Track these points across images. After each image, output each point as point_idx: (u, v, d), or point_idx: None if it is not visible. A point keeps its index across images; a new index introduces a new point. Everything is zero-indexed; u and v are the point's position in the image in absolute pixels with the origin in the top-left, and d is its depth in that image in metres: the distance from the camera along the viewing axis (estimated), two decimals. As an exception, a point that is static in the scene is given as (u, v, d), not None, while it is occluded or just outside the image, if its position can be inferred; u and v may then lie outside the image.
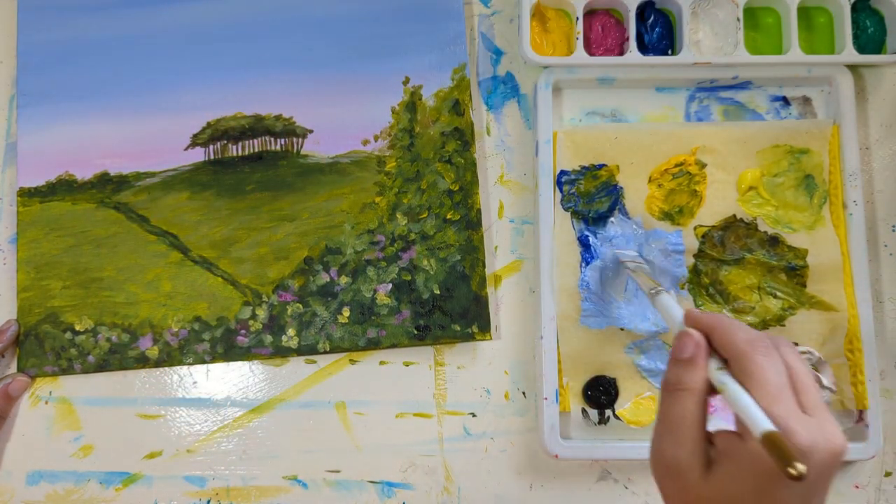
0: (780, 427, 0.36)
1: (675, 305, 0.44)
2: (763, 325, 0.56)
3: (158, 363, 0.57)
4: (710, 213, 0.57)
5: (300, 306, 0.57)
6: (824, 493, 0.38)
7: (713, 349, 0.40)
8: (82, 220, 0.59)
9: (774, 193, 0.57)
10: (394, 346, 0.57)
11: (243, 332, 0.57)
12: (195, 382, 0.58)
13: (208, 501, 0.57)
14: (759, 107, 0.60)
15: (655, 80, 0.59)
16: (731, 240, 0.57)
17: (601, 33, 0.60)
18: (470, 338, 0.57)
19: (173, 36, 0.61)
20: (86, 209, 0.59)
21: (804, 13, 0.59)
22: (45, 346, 0.57)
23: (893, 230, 0.59)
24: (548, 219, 0.57)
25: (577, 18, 0.58)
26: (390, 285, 0.57)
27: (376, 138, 0.59)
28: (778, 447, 0.35)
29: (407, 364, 0.58)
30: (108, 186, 0.59)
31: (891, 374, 0.58)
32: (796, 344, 0.56)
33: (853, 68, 0.59)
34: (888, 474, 0.57)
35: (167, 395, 0.58)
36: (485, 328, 0.57)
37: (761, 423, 0.36)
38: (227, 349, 0.57)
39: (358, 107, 0.60)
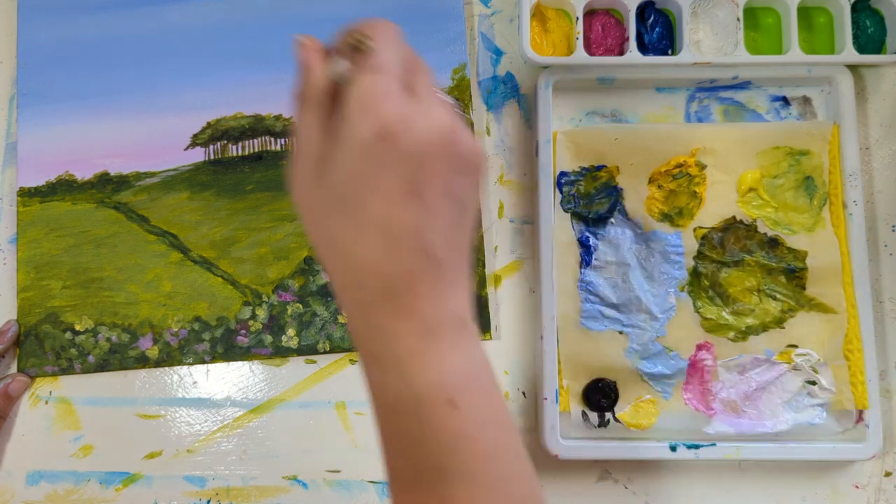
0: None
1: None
2: (763, 326, 0.56)
3: (158, 363, 0.57)
4: (710, 214, 0.57)
5: (300, 306, 0.57)
6: (437, 179, 0.36)
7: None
8: (82, 220, 0.59)
9: (774, 195, 0.57)
10: (394, 346, 0.57)
11: (243, 332, 0.57)
12: (195, 382, 0.58)
13: (208, 501, 0.57)
14: (759, 107, 0.60)
15: (655, 80, 0.59)
16: (731, 241, 0.57)
17: (601, 33, 0.60)
18: (470, 338, 0.57)
19: (173, 36, 0.61)
20: (86, 209, 0.59)
21: (804, 13, 0.59)
22: (45, 346, 0.57)
23: (893, 230, 0.59)
24: (548, 219, 0.57)
25: (577, 18, 0.58)
26: (390, 285, 0.57)
27: (376, 138, 0.59)
28: (351, 42, 0.36)
29: (407, 364, 0.58)
30: (108, 186, 0.59)
31: (891, 374, 0.58)
32: (795, 346, 0.56)
33: (853, 68, 0.59)
34: (888, 474, 0.57)
35: (167, 395, 0.58)
36: (485, 328, 0.57)
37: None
38: (227, 349, 0.57)
39: (358, 107, 0.60)
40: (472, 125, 0.59)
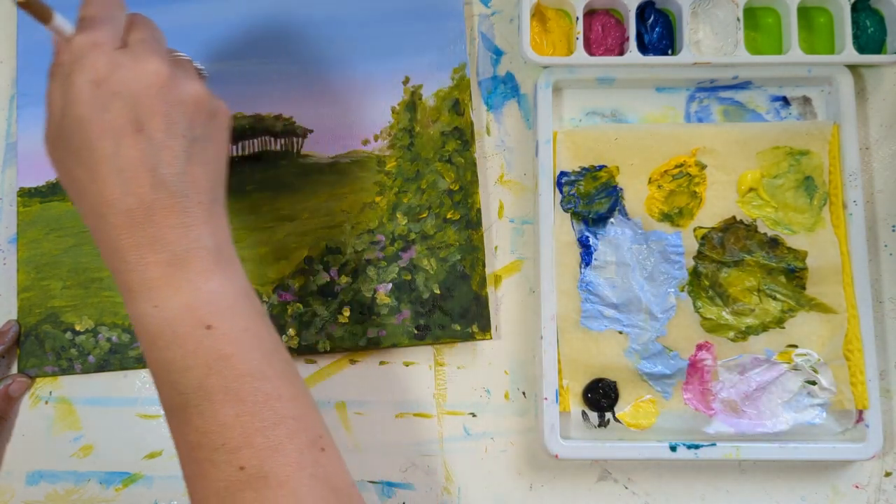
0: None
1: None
2: (763, 327, 0.56)
3: (158, 363, 0.57)
4: (710, 214, 0.57)
5: (300, 306, 0.57)
6: (157, 117, 0.41)
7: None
8: (82, 220, 0.59)
9: (774, 195, 0.57)
10: (394, 345, 0.57)
11: (243, 332, 0.57)
12: (195, 382, 0.58)
13: (208, 501, 0.57)
14: (759, 107, 0.60)
15: (655, 80, 0.59)
16: (731, 241, 0.57)
17: (601, 33, 0.60)
18: (470, 337, 0.57)
19: (173, 36, 0.60)
20: (86, 209, 0.59)
21: (804, 13, 0.59)
22: (45, 347, 0.57)
23: (893, 230, 0.59)
24: (548, 219, 0.57)
25: (577, 18, 0.58)
26: (390, 285, 0.57)
27: (376, 138, 0.59)
28: (32, 6, 0.40)
29: (407, 364, 0.58)
30: (108, 186, 0.59)
31: (891, 374, 0.58)
32: (795, 346, 0.56)
33: (853, 68, 0.59)
34: (888, 474, 0.57)
35: (167, 395, 0.58)
36: (485, 328, 0.57)
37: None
38: (228, 349, 0.57)
39: (358, 107, 0.60)
40: (472, 125, 0.59)
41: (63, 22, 0.42)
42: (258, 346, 0.42)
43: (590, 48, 0.59)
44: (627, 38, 0.58)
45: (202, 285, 0.41)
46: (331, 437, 0.43)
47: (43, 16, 0.41)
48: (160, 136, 0.41)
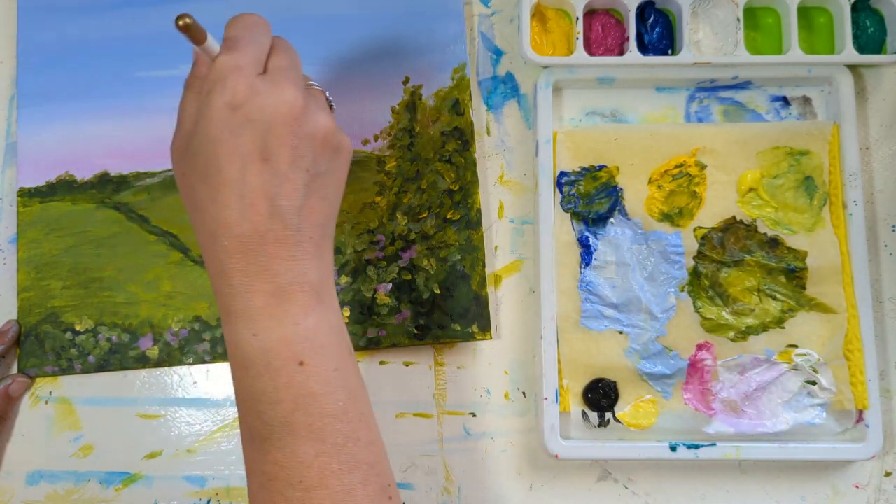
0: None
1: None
2: (763, 327, 0.56)
3: (159, 363, 0.57)
4: (710, 214, 0.57)
5: (300, 306, 0.57)
6: (286, 148, 0.41)
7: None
8: (82, 220, 0.59)
9: (774, 195, 0.57)
10: (394, 345, 0.57)
11: (243, 332, 0.57)
12: (195, 382, 0.58)
13: (208, 501, 0.57)
14: (759, 107, 0.60)
15: (655, 80, 0.59)
16: (731, 241, 0.57)
17: (601, 33, 0.60)
18: (470, 337, 0.57)
19: (173, 36, 0.60)
20: (86, 209, 0.59)
21: (804, 13, 0.59)
22: (45, 347, 0.57)
23: (893, 230, 0.59)
24: (548, 219, 0.57)
25: (577, 18, 0.58)
26: (390, 285, 0.57)
27: (376, 138, 0.59)
28: (191, 29, 0.41)
29: (407, 364, 0.58)
30: (108, 186, 0.59)
31: (891, 374, 0.58)
32: (795, 346, 0.56)
33: (853, 68, 0.59)
34: (888, 474, 0.57)
35: (167, 395, 0.58)
36: (485, 328, 0.57)
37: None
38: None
39: (358, 107, 0.60)
40: (472, 125, 0.59)
41: (213, 43, 0.42)
42: (344, 386, 0.42)
43: (590, 48, 0.59)
44: (627, 38, 0.58)
45: (301, 320, 0.41)
46: (396, 487, 0.43)
47: (198, 38, 0.41)
48: (285, 168, 0.41)
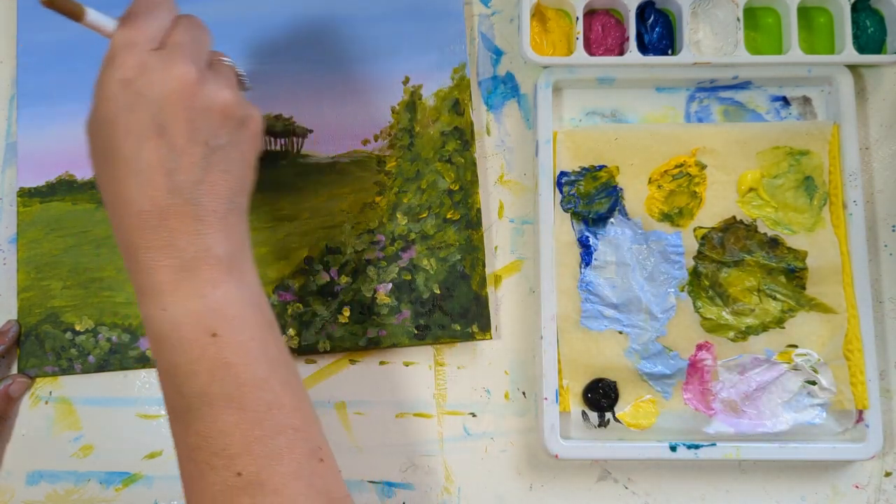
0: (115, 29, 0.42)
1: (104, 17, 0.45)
2: (763, 326, 0.56)
3: (158, 363, 0.57)
4: (710, 214, 0.57)
5: (300, 306, 0.57)
6: (180, 123, 0.41)
7: None
8: (82, 220, 0.59)
9: (774, 195, 0.57)
10: (394, 345, 0.57)
11: (243, 332, 0.57)
12: (195, 382, 0.58)
13: (208, 501, 0.57)
14: (759, 107, 0.60)
15: (655, 80, 0.59)
16: (731, 241, 0.57)
17: (601, 33, 0.60)
18: (470, 337, 0.57)
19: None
20: (86, 209, 0.59)
21: (804, 13, 0.59)
22: (45, 347, 0.57)
23: (893, 230, 0.59)
24: (548, 219, 0.57)
25: (577, 18, 0.58)
26: (390, 285, 0.57)
27: (376, 138, 0.59)
28: (56, 4, 0.41)
29: (407, 364, 0.58)
30: (108, 186, 0.59)
31: (891, 374, 0.58)
32: (795, 346, 0.56)
33: (853, 68, 0.59)
34: (888, 474, 0.57)
35: (167, 395, 0.58)
36: (485, 328, 0.57)
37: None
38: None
39: (358, 107, 0.60)
40: (472, 125, 0.59)
41: (99, 18, 0.42)
42: (263, 355, 0.42)
43: (590, 48, 0.59)
44: (627, 38, 0.58)
45: (210, 293, 0.41)
46: (329, 449, 0.43)
47: (74, 13, 0.41)
48: (181, 143, 0.41)
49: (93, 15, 0.42)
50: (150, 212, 0.41)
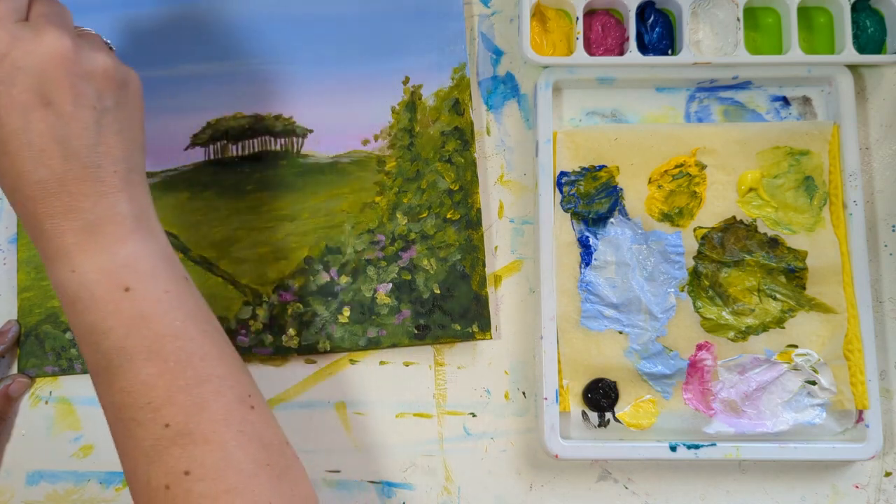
0: None
1: None
2: (763, 326, 0.56)
3: (158, 363, 0.57)
4: (710, 214, 0.57)
5: (300, 306, 0.57)
6: (64, 90, 0.41)
7: None
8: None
9: (774, 195, 0.57)
10: (394, 345, 0.57)
11: (243, 332, 0.57)
12: (195, 382, 0.58)
13: (208, 501, 0.57)
14: (760, 107, 0.60)
15: (655, 80, 0.59)
16: (731, 241, 0.57)
17: (601, 33, 0.60)
18: (470, 337, 0.57)
19: (173, 36, 0.61)
20: (86, 209, 0.59)
21: (804, 13, 0.59)
22: (45, 347, 0.57)
23: (893, 230, 0.59)
24: (548, 219, 0.57)
25: (577, 18, 0.58)
26: (390, 285, 0.57)
27: (376, 138, 0.59)
28: None
29: (407, 364, 0.58)
30: (108, 186, 0.59)
31: (891, 374, 0.58)
32: (795, 346, 0.56)
33: (853, 68, 0.59)
34: (888, 474, 0.57)
35: (167, 395, 0.58)
36: (485, 328, 0.57)
37: None
38: (228, 349, 0.57)
39: (358, 107, 0.60)
40: (472, 125, 0.59)
41: None
42: (180, 307, 0.43)
43: (590, 48, 0.59)
44: (627, 38, 0.58)
45: (119, 250, 0.42)
46: (261, 397, 0.44)
47: None
48: (69, 109, 0.41)
49: None
50: (49, 180, 0.41)
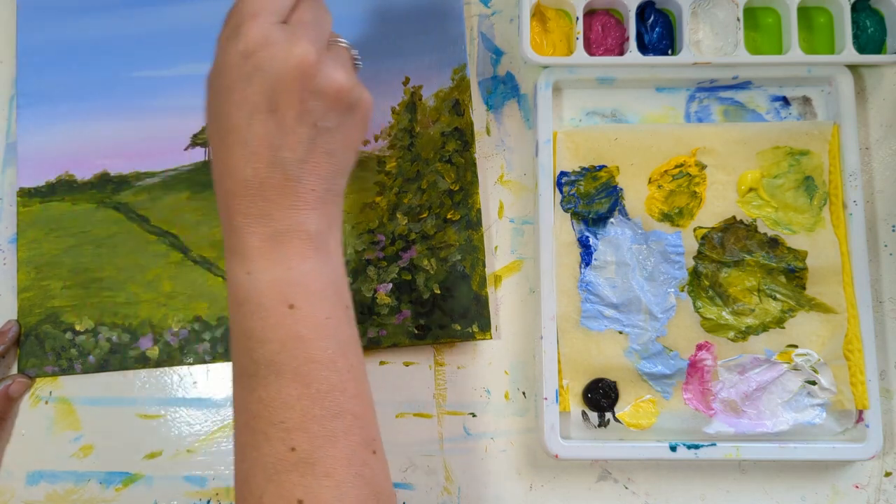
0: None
1: None
2: (763, 327, 0.56)
3: (159, 363, 0.57)
4: (710, 214, 0.57)
5: (300, 306, 0.57)
6: (293, 102, 0.41)
7: None
8: (82, 221, 0.59)
9: (774, 195, 0.57)
10: (394, 345, 0.57)
11: (243, 332, 0.57)
12: (195, 382, 0.58)
13: (208, 501, 0.57)
14: (760, 107, 0.60)
15: (655, 80, 0.59)
16: (731, 241, 0.57)
17: (601, 33, 0.60)
18: (470, 337, 0.57)
19: (174, 36, 0.61)
20: (86, 209, 0.59)
21: (804, 13, 0.59)
22: (45, 347, 0.57)
23: (893, 230, 0.59)
24: (548, 219, 0.57)
25: (577, 18, 0.58)
26: (391, 285, 0.57)
27: (376, 138, 0.59)
28: None
29: (407, 364, 0.58)
30: (108, 186, 0.59)
31: (891, 374, 0.58)
32: (795, 346, 0.56)
33: (853, 68, 0.59)
34: (888, 474, 0.57)
35: (167, 395, 0.58)
36: (485, 328, 0.57)
37: None
38: (228, 349, 0.57)
39: (358, 107, 0.60)
40: (472, 125, 0.59)
41: None
42: (334, 336, 0.43)
43: (590, 48, 0.59)
44: (627, 38, 0.58)
45: (295, 266, 0.42)
46: (381, 444, 0.44)
47: None
48: (290, 122, 0.42)
49: None
50: (251, 181, 0.42)
